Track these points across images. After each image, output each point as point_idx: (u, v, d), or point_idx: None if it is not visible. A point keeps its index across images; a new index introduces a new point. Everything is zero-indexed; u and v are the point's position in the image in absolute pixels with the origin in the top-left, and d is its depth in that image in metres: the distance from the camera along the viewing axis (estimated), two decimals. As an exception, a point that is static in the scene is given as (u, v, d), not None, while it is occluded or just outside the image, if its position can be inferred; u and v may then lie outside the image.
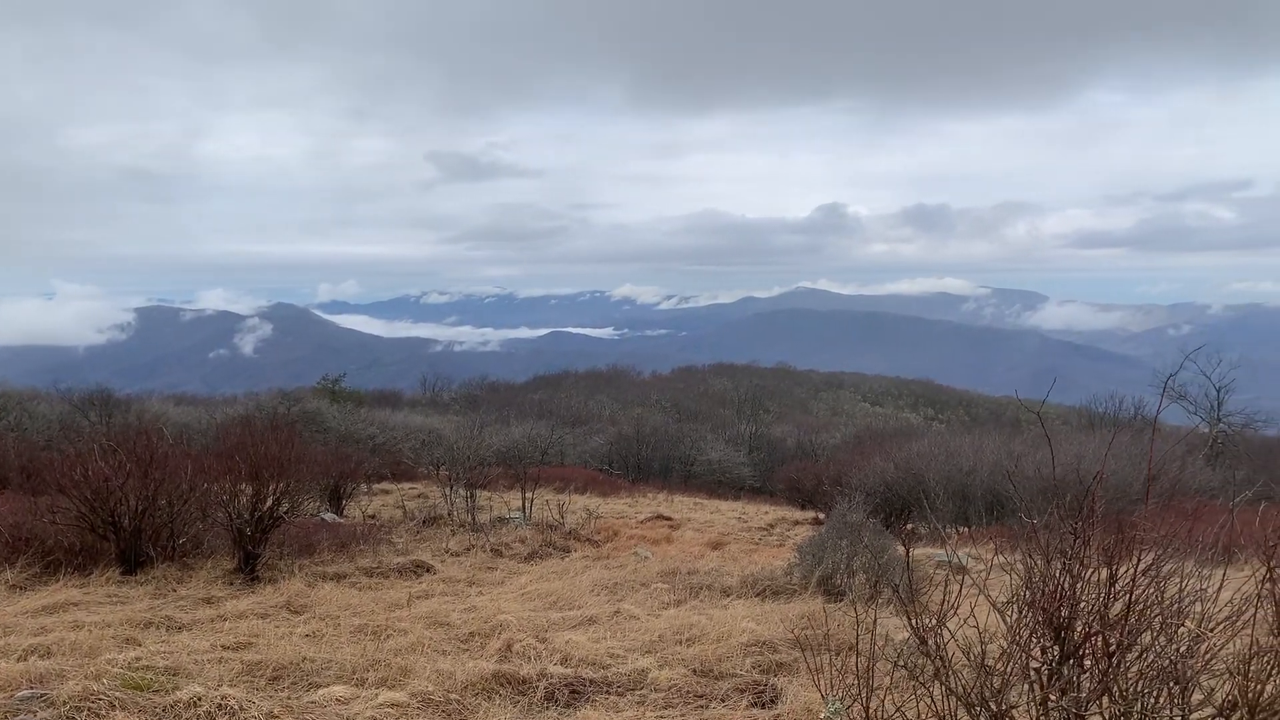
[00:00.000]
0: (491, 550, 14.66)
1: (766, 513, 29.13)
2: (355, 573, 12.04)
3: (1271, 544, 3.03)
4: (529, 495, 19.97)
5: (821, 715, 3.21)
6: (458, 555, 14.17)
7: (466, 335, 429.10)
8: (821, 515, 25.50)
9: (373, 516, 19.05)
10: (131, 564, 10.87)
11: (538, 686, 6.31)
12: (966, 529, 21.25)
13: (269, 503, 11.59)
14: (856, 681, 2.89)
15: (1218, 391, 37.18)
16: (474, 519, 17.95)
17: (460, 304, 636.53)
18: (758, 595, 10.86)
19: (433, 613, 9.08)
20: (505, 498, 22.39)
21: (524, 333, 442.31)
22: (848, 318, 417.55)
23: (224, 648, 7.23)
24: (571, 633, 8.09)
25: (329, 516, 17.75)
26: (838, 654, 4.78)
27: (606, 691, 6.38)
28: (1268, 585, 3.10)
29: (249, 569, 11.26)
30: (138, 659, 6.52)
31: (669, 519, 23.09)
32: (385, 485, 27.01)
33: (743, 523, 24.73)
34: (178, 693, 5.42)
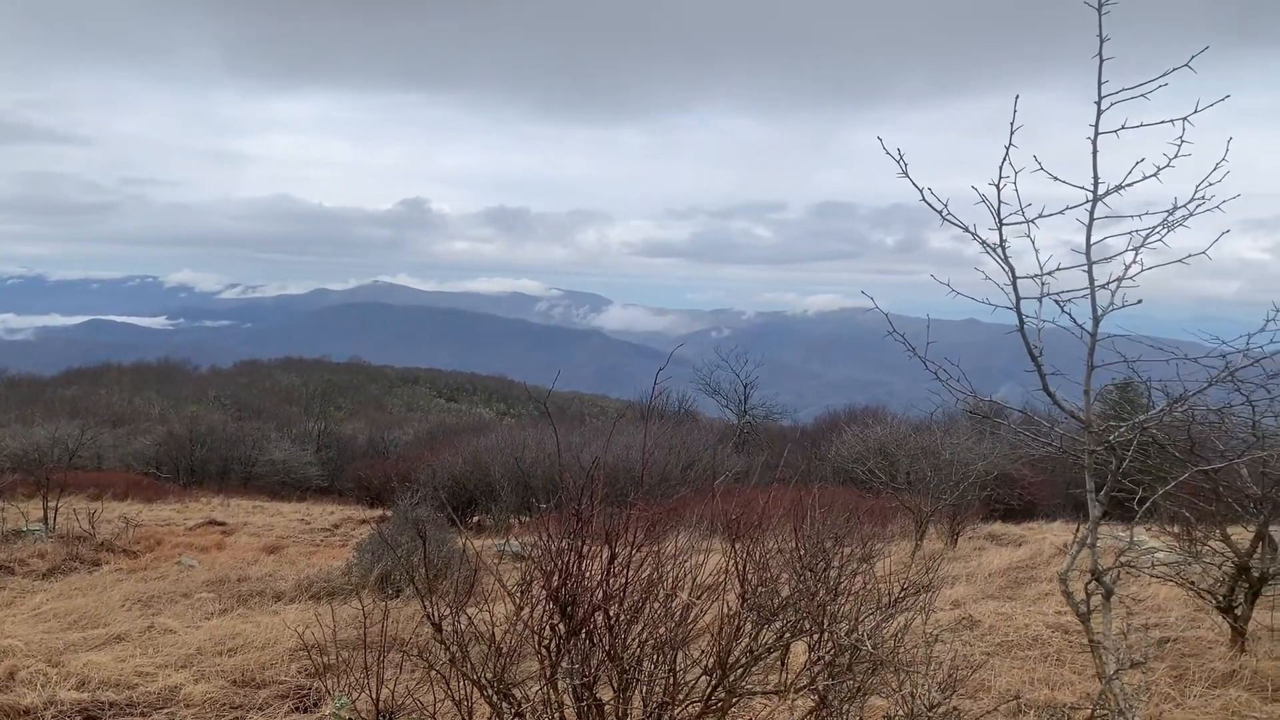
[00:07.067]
0: (2, 568, 12.82)
1: (332, 513, 28.29)
2: None
3: (733, 520, 3.56)
4: (53, 504, 17.66)
5: (327, 711, 3.23)
6: (-45, 577, 12.23)
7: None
8: (390, 513, 25.27)
9: None
10: None
11: (44, 716, 5.66)
12: (529, 518, 22.21)
13: None
14: (365, 674, 2.95)
15: (745, 387, 42.28)
16: (-20, 534, 15.54)
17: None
18: (313, 598, 10.58)
19: (-87, 645, 7.76)
20: (24, 508, 19.57)
21: (56, 320, 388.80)
22: (426, 313, 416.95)
23: None
24: (94, 653, 7.33)
25: None
26: (388, 651, 4.82)
27: (129, 714, 5.88)
28: (733, 559, 3.63)
29: None
30: None
31: (222, 524, 21.63)
32: None
33: (305, 524, 23.81)
34: None
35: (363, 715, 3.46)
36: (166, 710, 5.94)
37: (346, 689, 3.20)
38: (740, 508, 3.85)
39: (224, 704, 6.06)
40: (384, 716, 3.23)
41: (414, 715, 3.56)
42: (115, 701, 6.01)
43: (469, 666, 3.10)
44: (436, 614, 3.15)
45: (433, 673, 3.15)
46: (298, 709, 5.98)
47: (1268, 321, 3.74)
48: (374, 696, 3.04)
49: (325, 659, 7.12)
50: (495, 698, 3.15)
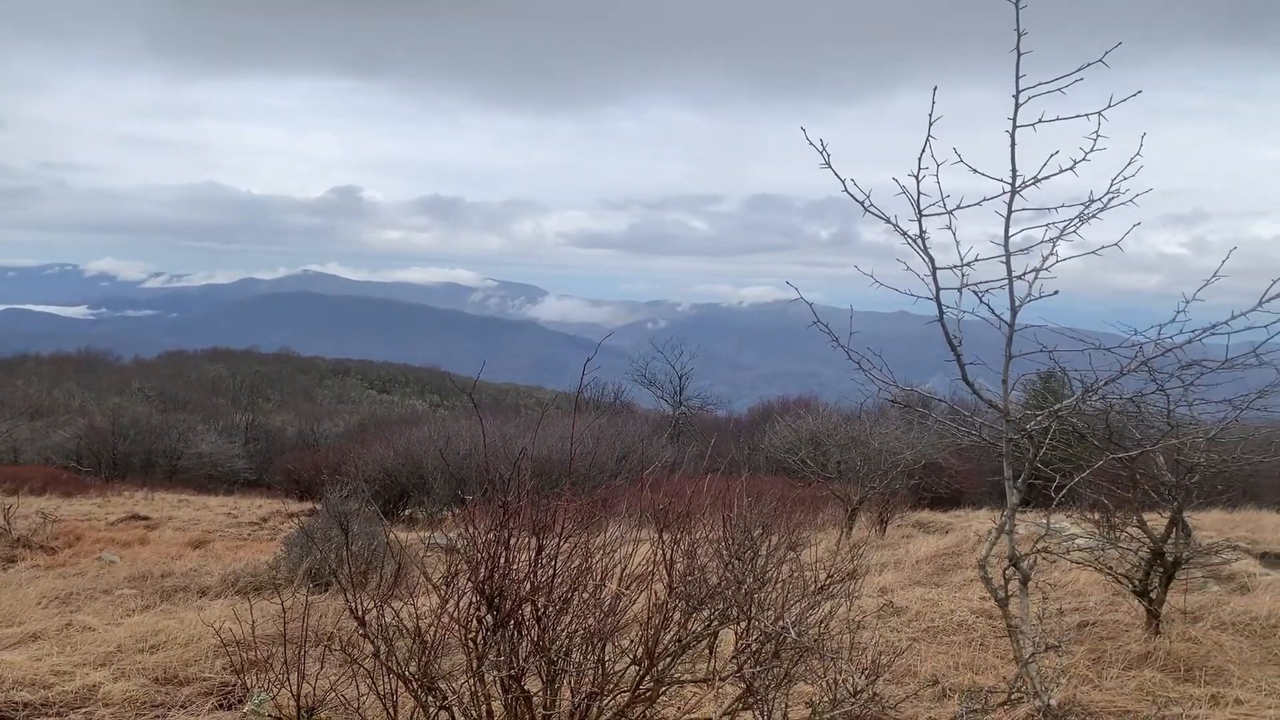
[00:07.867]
0: (-91, 567, 12.36)
1: (260, 506, 27.78)
2: None
3: (661, 510, 3.57)
4: (-35, 500, 17.10)
5: (246, 707, 3.18)
6: None
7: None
8: (319, 506, 24.89)
9: None
10: None
11: (-47, 719, 5.47)
12: (461, 510, 22.04)
13: None
14: (284, 669, 2.90)
15: (680, 378, 42.51)
16: (-114, 532, 14.95)
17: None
18: (239, 592, 10.38)
19: None
20: (-66, 504, 18.91)
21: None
22: (357, 303, 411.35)
23: None
24: (7, 653, 7.09)
25: None
26: (317, 646, 4.73)
27: (45, 714, 5.70)
28: (661, 549, 3.65)
29: None
30: None
31: (146, 519, 21.11)
32: None
33: (232, 518, 23.35)
34: None
35: (284, 711, 3.40)
36: (84, 710, 5.77)
37: (268, 685, 3.15)
38: (670, 497, 3.86)
39: (144, 702, 5.90)
40: (305, 713, 3.18)
41: (338, 710, 3.51)
42: (30, 702, 5.83)
43: (394, 660, 3.07)
44: (361, 608, 3.11)
45: (357, 667, 3.10)
46: (221, 706, 5.86)
47: (1178, 313, 3.85)
48: (295, 692, 2.99)
49: (248, 655, 7.00)
50: (420, 691, 3.12)
